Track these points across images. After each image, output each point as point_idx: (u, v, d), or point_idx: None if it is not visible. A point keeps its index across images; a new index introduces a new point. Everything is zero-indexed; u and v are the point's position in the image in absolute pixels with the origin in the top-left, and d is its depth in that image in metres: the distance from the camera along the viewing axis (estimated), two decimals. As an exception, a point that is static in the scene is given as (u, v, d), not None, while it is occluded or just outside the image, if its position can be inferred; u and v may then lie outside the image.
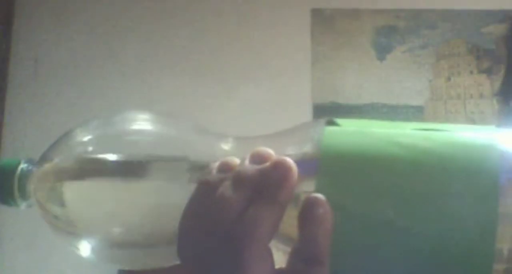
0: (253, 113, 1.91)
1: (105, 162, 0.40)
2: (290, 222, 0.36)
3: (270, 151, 0.38)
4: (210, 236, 0.36)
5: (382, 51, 1.97)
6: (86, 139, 0.42)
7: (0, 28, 1.94)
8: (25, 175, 0.42)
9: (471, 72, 1.94)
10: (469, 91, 1.93)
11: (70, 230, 0.41)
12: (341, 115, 1.93)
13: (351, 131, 0.37)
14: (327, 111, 1.93)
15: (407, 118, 1.93)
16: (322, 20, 1.98)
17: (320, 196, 0.35)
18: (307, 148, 0.39)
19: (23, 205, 0.42)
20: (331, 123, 0.38)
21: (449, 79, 1.95)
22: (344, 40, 1.98)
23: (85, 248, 0.41)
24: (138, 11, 1.99)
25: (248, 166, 0.37)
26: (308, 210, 0.35)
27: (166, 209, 0.40)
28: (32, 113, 1.93)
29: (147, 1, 2.00)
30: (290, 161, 0.36)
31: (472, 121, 1.91)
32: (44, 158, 0.42)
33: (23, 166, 0.42)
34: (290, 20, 1.98)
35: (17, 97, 1.94)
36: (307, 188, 0.36)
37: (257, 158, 0.38)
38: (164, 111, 1.75)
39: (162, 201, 0.40)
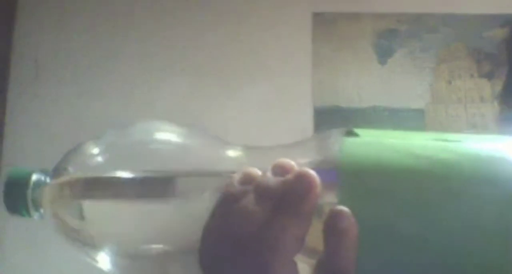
0: (254, 115, 1.91)
1: (122, 180, 0.40)
2: (314, 234, 0.36)
3: (292, 162, 0.37)
4: (234, 248, 0.36)
5: (383, 55, 1.97)
6: (103, 152, 0.41)
7: (1, 29, 1.94)
8: (38, 186, 0.41)
9: (472, 76, 1.94)
10: (470, 95, 1.93)
11: (89, 242, 0.40)
12: (342, 118, 1.93)
13: (371, 142, 0.38)
14: (327, 115, 1.93)
15: (407, 122, 1.93)
16: (323, 23, 1.99)
17: (344, 208, 0.35)
18: (326, 157, 0.39)
19: (35, 216, 0.41)
20: (350, 133, 0.39)
21: (450, 83, 1.96)
22: (345, 44, 1.98)
23: (103, 260, 0.40)
24: (138, 12, 1.99)
25: (271, 178, 0.37)
26: (333, 223, 0.35)
27: (187, 222, 0.39)
28: (33, 113, 1.92)
29: (147, 1, 2.00)
30: (313, 173, 0.36)
31: (473, 125, 1.91)
32: (59, 169, 0.42)
33: (36, 176, 0.41)
34: (291, 23, 1.98)
35: (18, 97, 1.94)
36: (329, 199, 0.36)
37: (279, 169, 0.37)
38: (164, 111, 1.75)
39: (183, 214, 0.40)
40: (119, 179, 0.39)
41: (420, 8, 1.98)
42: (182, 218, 0.40)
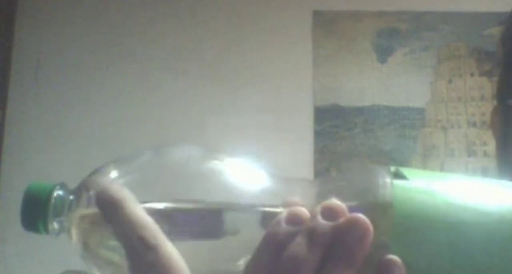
0: (254, 115, 1.91)
1: (167, 211, 0.37)
2: None
3: (343, 206, 0.35)
4: None
5: (383, 54, 1.97)
6: (137, 180, 0.38)
7: (2, 30, 1.95)
8: (61, 204, 0.38)
9: (472, 74, 1.94)
10: (470, 93, 1.93)
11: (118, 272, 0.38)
12: (342, 117, 1.93)
13: (423, 190, 0.36)
14: (328, 113, 1.93)
15: (408, 120, 1.93)
16: (323, 22, 1.98)
17: (396, 258, 0.34)
18: (377, 202, 0.36)
19: (53, 234, 0.39)
20: (398, 174, 0.37)
21: (450, 81, 1.95)
22: (345, 43, 1.98)
23: None
24: (140, 14, 1.99)
25: (322, 222, 0.35)
26: (385, 271, 0.34)
27: (231, 257, 0.37)
28: (33, 114, 1.92)
29: (149, 4, 2.00)
30: (366, 220, 0.34)
31: (473, 123, 1.91)
32: (85, 191, 0.38)
33: (58, 193, 0.38)
34: (292, 22, 1.98)
35: (19, 98, 1.94)
36: (378, 244, 0.35)
37: (330, 213, 0.35)
38: (164, 112, 1.74)
39: (229, 250, 0.38)
40: (164, 211, 0.37)
41: (420, 6, 1.98)
42: (227, 253, 0.38)
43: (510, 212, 0.34)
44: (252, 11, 1.98)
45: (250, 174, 0.40)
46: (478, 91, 1.93)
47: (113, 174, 0.39)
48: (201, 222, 0.37)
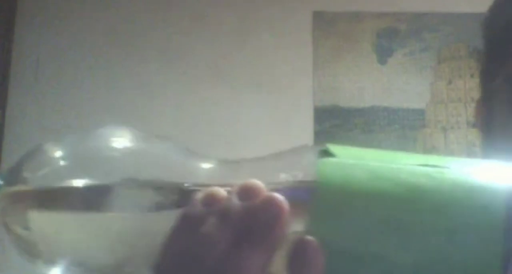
0: (255, 115, 1.91)
1: (71, 190, 0.37)
2: (279, 261, 0.33)
3: (260, 185, 0.34)
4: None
5: (383, 55, 1.97)
6: (61, 159, 0.39)
7: (2, 30, 1.95)
8: None
9: (472, 75, 1.94)
10: (470, 94, 1.93)
11: (34, 252, 0.38)
12: (342, 118, 1.93)
13: (347, 165, 0.34)
14: (328, 114, 1.93)
15: (408, 121, 1.93)
16: (323, 23, 1.99)
17: (311, 238, 0.33)
18: (298, 178, 0.35)
19: None
20: (326, 152, 0.35)
21: (450, 82, 1.95)
22: (346, 43, 1.98)
23: (49, 271, 0.39)
24: (140, 14, 1.99)
25: (236, 202, 0.34)
26: (298, 253, 0.33)
27: (144, 237, 0.37)
28: (33, 113, 1.93)
29: (150, 4, 2.00)
30: (281, 199, 0.33)
31: (473, 124, 1.91)
32: (14, 175, 0.39)
33: None
34: (292, 22, 1.98)
35: (19, 97, 1.94)
36: (297, 225, 0.33)
37: (246, 193, 0.34)
38: (165, 112, 1.75)
39: (139, 228, 0.37)
40: (68, 189, 0.37)
41: (420, 7, 1.98)
42: (138, 232, 0.37)
43: (435, 182, 0.34)
44: (252, 12, 1.98)
45: (174, 152, 0.40)
46: (478, 92, 1.93)
47: (46, 163, 0.39)
48: (104, 196, 0.37)
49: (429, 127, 1.93)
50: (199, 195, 0.35)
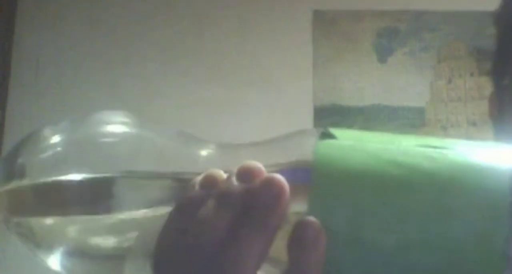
0: (255, 115, 1.91)
1: (68, 183, 0.36)
2: (279, 243, 0.33)
3: (260, 166, 0.33)
4: (191, 259, 0.33)
5: (383, 54, 1.97)
6: (58, 151, 0.38)
7: (2, 30, 1.95)
8: None
9: (472, 74, 1.94)
10: (470, 93, 1.93)
11: (35, 243, 0.38)
12: (342, 117, 1.93)
13: (347, 147, 0.34)
14: (328, 113, 1.93)
15: (408, 120, 1.93)
16: (323, 22, 1.99)
17: (312, 219, 0.32)
18: (298, 161, 0.35)
19: None
20: (326, 134, 0.35)
21: (450, 81, 1.96)
22: (346, 42, 1.98)
23: (48, 259, 0.38)
24: (140, 14, 1.99)
25: (235, 184, 0.33)
26: (299, 234, 0.32)
27: (143, 225, 0.36)
28: (33, 113, 1.93)
29: (149, 4, 2.00)
30: (282, 180, 0.33)
31: (473, 123, 1.91)
32: (10, 168, 0.38)
33: None
34: (292, 22, 1.98)
35: (19, 97, 1.94)
36: (297, 207, 0.33)
37: (245, 174, 0.33)
38: (165, 113, 1.74)
39: (137, 220, 0.37)
40: (67, 183, 0.36)
41: (420, 6, 1.98)
42: (139, 223, 0.37)
43: (436, 164, 0.33)
44: (252, 11, 1.99)
45: (173, 139, 0.39)
46: (478, 91, 1.93)
47: (43, 152, 0.38)
48: (100, 188, 0.36)
49: (429, 126, 1.93)
50: (198, 178, 0.35)
